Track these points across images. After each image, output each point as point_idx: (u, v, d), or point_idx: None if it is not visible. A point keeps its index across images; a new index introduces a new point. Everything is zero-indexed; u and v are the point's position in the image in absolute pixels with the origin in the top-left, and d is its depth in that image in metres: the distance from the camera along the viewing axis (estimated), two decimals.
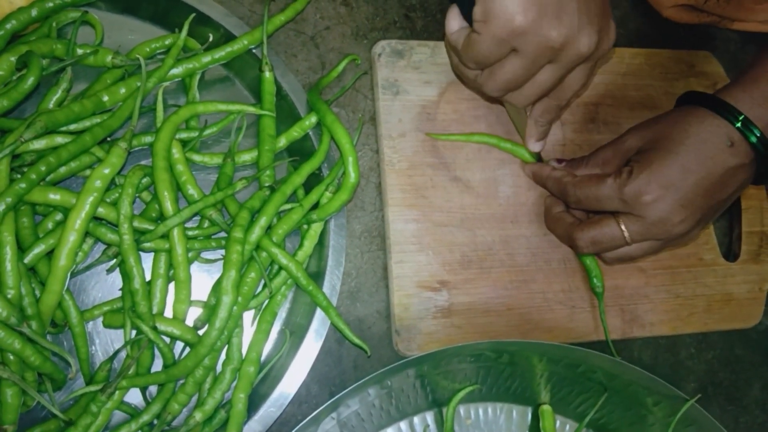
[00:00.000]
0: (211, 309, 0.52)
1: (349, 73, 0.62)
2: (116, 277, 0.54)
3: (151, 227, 0.51)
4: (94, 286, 0.53)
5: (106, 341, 0.53)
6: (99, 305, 0.52)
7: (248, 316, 0.54)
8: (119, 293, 0.52)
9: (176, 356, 0.52)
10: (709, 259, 0.67)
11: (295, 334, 0.54)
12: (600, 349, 0.56)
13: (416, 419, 0.58)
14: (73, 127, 0.50)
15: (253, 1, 0.61)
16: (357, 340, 0.54)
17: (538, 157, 0.62)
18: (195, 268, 0.55)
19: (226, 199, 0.53)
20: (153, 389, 0.53)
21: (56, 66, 0.51)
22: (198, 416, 0.50)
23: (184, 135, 0.54)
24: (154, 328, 0.50)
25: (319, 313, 0.54)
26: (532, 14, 0.47)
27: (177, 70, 0.54)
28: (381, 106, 0.61)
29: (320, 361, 0.56)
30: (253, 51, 0.57)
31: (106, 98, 0.51)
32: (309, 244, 0.55)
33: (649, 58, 0.70)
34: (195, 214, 0.52)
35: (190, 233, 0.52)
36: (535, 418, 0.59)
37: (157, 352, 0.52)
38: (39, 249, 0.48)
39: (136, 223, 0.51)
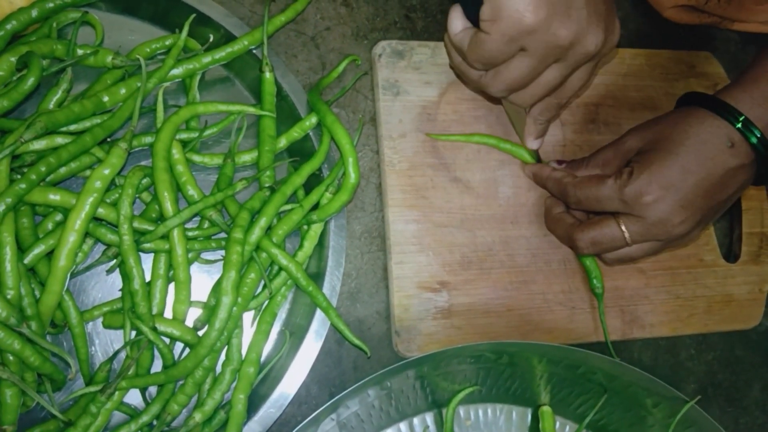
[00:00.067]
0: (210, 310, 0.52)
1: (350, 73, 0.62)
2: (116, 278, 0.54)
3: (151, 228, 0.51)
4: (94, 287, 0.53)
5: (106, 342, 0.53)
6: (99, 306, 0.52)
7: (248, 316, 0.54)
8: (119, 294, 0.53)
9: (176, 357, 0.52)
10: (709, 260, 0.67)
11: (294, 334, 0.54)
12: (600, 350, 0.56)
13: (416, 420, 0.58)
14: (73, 127, 0.50)
15: (254, 2, 0.61)
16: (357, 341, 0.54)
17: (537, 157, 0.62)
18: (195, 269, 0.55)
19: (226, 200, 0.53)
20: (152, 390, 0.53)
21: (56, 66, 0.51)
22: (197, 417, 0.50)
23: (184, 135, 0.54)
24: (154, 329, 0.50)
25: (318, 314, 0.54)
26: (543, 13, 0.46)
27: (177, 71, 0.54)
28: (381, 106, 0.61)
29: (320, 362, 0.56)
30: (254, 51, 0.57)
31: (106, 99, 0.51)
32: (309, 244, 0.55)
33: (649, 59, 0.70)
34: (195, 215, 0.52)
35: (190, 234, 0.52)
36: (535, 419, 0.59)
37: (156, 352, 0.52)
38: (39, 249, 0.48)
39: (136, 224, 0.51)
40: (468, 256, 0.60)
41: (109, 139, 0.53)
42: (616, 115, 0.67)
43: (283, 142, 0.56)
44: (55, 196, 0.48)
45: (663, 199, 0.52)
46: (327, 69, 0.62)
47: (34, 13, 0.51)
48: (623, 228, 0.54)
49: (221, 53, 0.55)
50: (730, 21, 0.73)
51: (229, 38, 0.56)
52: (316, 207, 0.55)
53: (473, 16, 0.50)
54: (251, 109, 0.55)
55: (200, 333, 0.52)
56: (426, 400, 0.57)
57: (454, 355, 0.52)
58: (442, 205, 0.60)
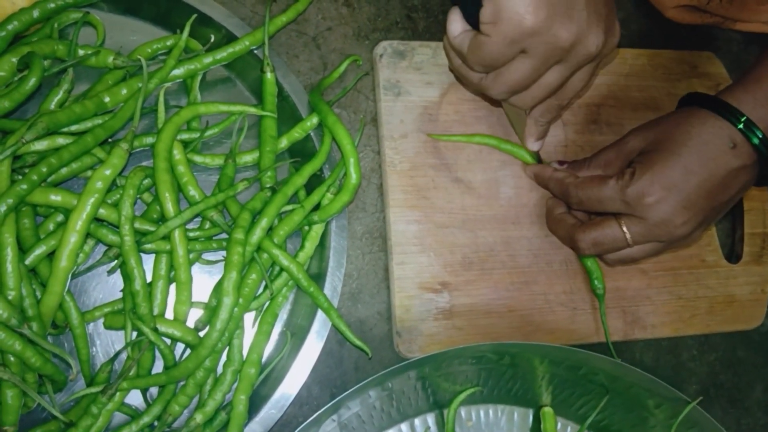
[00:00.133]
0: (212, 310, 0.52)
1: (351, 74, 0.61)
2: (117, 279, 0.54)
3: (153, 228, 0.51)
4: (95, 288, 0.54)
5: (107, 343, 0.53)
6: (100, 306, 0.52)
7: (249, 317, 0.54)
8: (120, 295, 0.53)
9: (177, 358, 0.52)
10: (711, 261, 0.67)
11: (296, 335, 0.54)
12: (602, 351, 0.56)
13: (417, 421, 0.58)
14: (74, 128, 0.50)
15: (255, 2, 0.61)
16: (358, 342, 0.54)
17: (538, 158, 0.62)
18: (196, 270, 0.55)
19: (227, 200, 0.53)
20: (154, 391, 0.53)
21: (58, 67, 0.51)
22: (199, 418, 0.50)
23: (185, 136, 0.54)
24: (155, 330, 0.50)
25: (320, 315, 0.53)
26: (543, 14, 0.46)
27: (178, 71, 0.54)
28: (382, 107, 0.61)
29: (321, 363, 0.56)
30: (255, 52, 0.56)
31: (107, 99, 0.51)
32: (310, 245, 0.55)
33: (651, 59, 0.70)
34: (196, 216, 0.52)
35: (191, 234, 0.52)
36: (537, 420, 0.59)
37: (157, 353, 0.52)
38: (40, 250, 0.48)
39: (137, 225, 0.51)
40: (469, 257, 0.60)
41: (110, 140, 0.53)
42: (618, 116, 0.67)
43: (284, 143, 0.56)
44: (56, 197, 0.48)
45: (665, 200, 0.52)
46: (328, 69, 0.62)
47: (36, 13, 0.51)
48: (625, 229, 0.54)
49: (222, 54, 0.55)
50: (733, 21, 0.73)
51: (230, 39, 0.56)
52: (317, 207, 0.55)
53: (473, 19, 0.49)
54: (252, 110, 0.55)
55: (201, 334, 0.52)
56: (427, 401, 0.57)
57: (455, 355, 0.52)
58: (443, 206, 0.60)
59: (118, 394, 0.49)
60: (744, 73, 0.56)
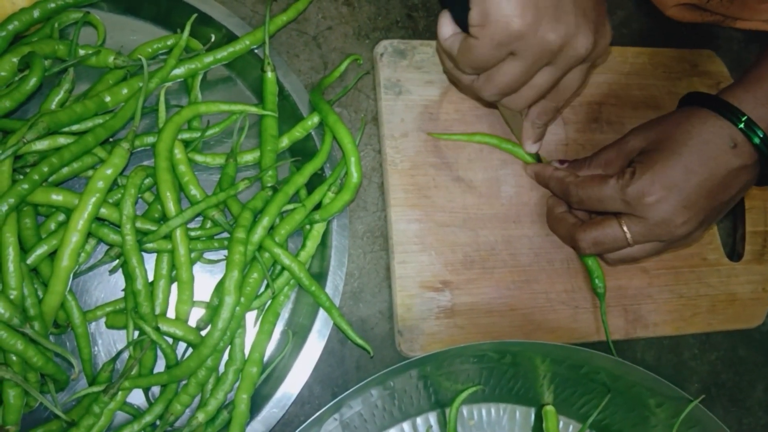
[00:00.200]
0: (213, 310, 0.52)
1: (352, 73, 0.61)
2: (119, 278, 0.54)
3: (154, 228, 0.51)
4: (97, 287, 0.54)
5: (109, 342, 0.53)
6: (102, 306, 0.52)
7: (251, 316, 0.54)
8: (122, 294, 0.53)
9: (179, 357, 0.52)
10: (712, 259, 0.67)
11: (297, 334, 0.54)
12: (603, 349, 0.56)
13: (419, 420, 0.58)
14: (75, 127, 0.50)
15: (255, 2, 0.61)
16: (360, 341, 0.54)
17: (538, 157, 0.62)
18: (197, 269, 0.55)
19: (228, 200, 0.53)
20: (156, 390, 0.53)
21: (58, 67, 0.51)
22: (200, 417, 0.50)
23: (186, 135, 0.54)
24: (157, 329, 0.50)
25: (321, 314, 0.53)
26: (530, 17, 0.46)
27: (179, 71, 0.54)
28: (383, 106, 0.61)
29: (323, 362, 0.56)
30: (255, 51, 0.56)
31: (108, 99, 0.51)
32: (311, 244, 0.55)
33: (652, 58, 0.70)
34: (197, 215, 0.52)
35: (192, 234, 0.52)
36: (539, 419, 0.59)
37: (159, 352, 0.52)
38: (41, 250, 0.48)
39: (138, 224, 0.51)
40: (470, 256, 0.60)
41: (111, 139, 0.53)
42: (618, 114, 0.67)
43: (285, 142, 0.56)
44: (57, 197, 0.48)
45: (665, 200, 0.52)
46: (329, 68, 0.62)
47: (36, 13, 0.51)
48: (625, 228, 0.54)
49: (223, 53, 0.55)
50: (733, 19, 0.73)
51: (230, 38, 0.56)
52: (318, 206, 0.55)
53: (462, 22, 0.50)
54: (253, 109, 0.55)
55: (203, 333, 0.52)
56: (429, 400, 0.57)
57: (457, 354, 0.52)
58: (444, 205, 0.60)
59: (120, 393, 0.49)
60: (744, 72, 0.56)
